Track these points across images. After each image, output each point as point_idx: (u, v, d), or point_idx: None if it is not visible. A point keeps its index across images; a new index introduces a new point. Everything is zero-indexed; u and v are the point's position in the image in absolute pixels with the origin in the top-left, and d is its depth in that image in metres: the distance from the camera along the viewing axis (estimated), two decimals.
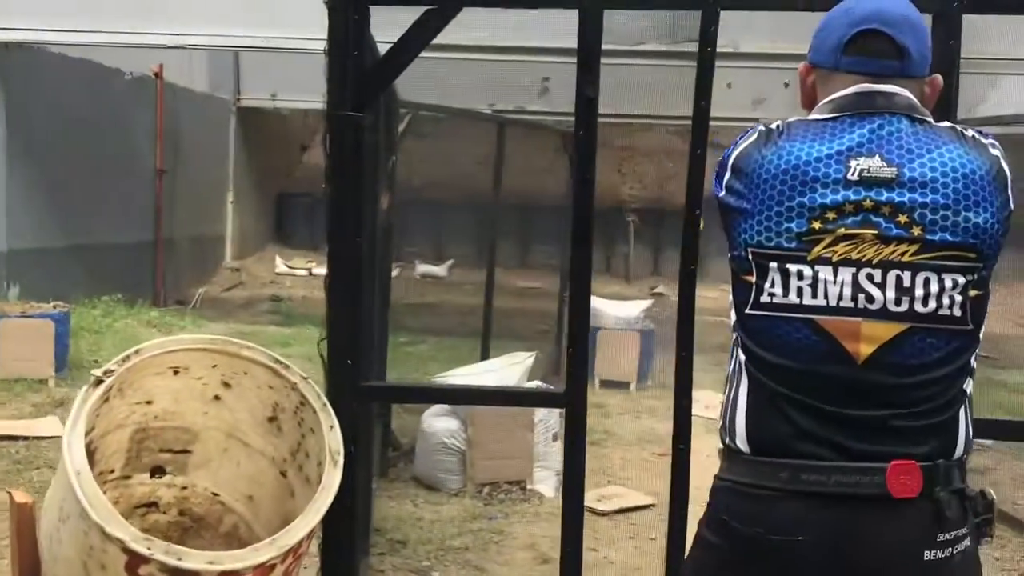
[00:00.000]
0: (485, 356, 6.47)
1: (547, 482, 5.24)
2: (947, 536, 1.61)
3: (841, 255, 1.60)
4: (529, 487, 5.18)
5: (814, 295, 1.62)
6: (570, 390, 2.51)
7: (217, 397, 2.80)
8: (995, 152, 1.66)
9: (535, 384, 5.38)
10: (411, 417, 5.65)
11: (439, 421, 5.18)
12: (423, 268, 13.21)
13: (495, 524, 4.77)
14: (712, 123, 2.46)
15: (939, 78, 1.74)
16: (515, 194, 9.42)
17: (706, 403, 7.44)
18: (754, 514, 1.65)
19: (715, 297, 12.48)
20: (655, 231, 13.00)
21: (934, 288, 1.59)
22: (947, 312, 1.60)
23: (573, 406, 2.51)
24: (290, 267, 13.31)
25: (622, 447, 5.95)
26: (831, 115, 1.68)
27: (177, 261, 11.62)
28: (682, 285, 2.54)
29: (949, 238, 1.58)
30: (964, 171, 1.61)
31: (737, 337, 1.74)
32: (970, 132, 1.69)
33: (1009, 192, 1.66)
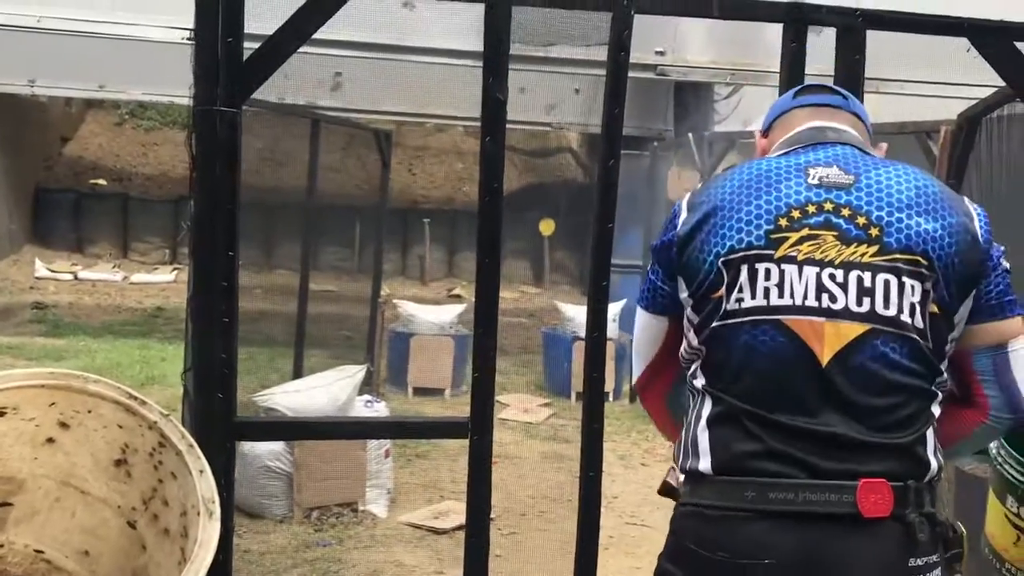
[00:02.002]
0: (299, 368, 6.08)
1: (379, 502, 4.98)
2: (918, 562, 1.60)
3: (806, 254, 1.62)
4: (361, 508, 4.90)
5: (780, 294, 1.61)
6: (476, 418, 2.30)
7: (51, 440, 2.36)
8: (973, 208, 1.70)
9: (364, 399, 5.08)
10: None
11: (261, 443, 4.77)
12: None
13: (330, 552, 4.45)
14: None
15: (885, 145, 1.86)
16: (305, 192, 9.00)
17: (524, 407, 7.48)
18: (718, 538, 1.59)
19: (515, 298, 12.59)
20: (449, 232, 12.85)
21: (894, 292, 1.61)
22: (907, 320, 1.61)
23: (479, 436, 2.30)
24: (52, 271, 12.06)
25: (448, 459, 5.75)
26: (787, 149, 1.77)
27: None
28: (591, 300, 2.40)
29: (904, 241, 1.62)
30: (918, 184, 1.67)
31: (695, 368, 1.70)
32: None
33: (977, 231, 1.67)
